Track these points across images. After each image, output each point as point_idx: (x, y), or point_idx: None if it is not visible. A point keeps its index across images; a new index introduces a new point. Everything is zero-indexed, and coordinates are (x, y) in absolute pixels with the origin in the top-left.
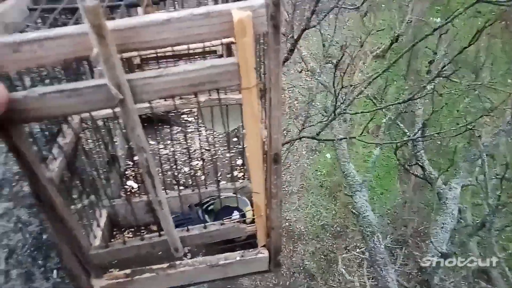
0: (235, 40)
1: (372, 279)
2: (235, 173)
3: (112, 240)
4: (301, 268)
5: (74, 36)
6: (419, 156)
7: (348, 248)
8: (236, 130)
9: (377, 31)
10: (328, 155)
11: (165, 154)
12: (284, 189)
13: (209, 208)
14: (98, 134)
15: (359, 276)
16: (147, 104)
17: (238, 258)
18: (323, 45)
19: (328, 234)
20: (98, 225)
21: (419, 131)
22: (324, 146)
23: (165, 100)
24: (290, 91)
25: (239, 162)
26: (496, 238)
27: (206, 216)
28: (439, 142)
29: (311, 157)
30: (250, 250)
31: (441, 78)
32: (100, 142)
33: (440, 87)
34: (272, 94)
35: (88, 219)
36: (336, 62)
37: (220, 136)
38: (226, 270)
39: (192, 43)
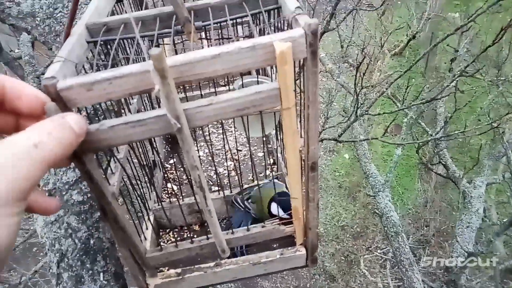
0: (277, 67)
1: (396, 279)
2: (267, 172)
3: (160, 240)
4: (322, 270)
5: (138, 74)
6: (441, 155)
7: (370, 248)
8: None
9: (396, 29)
10: (346, 156)
11: (200, 155)
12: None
13: (249, 197)
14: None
15: (381, 277)
16: None
17: (278, 256)
18: (341, 46)
19: (348, 235)
20: (147, 228)
21: (441, 130)
22: (342, 147)
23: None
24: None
25: (271, 161)
26: None
27: (248, 204)
28: (461, 140)
29: (329, 158)
30: (289, 248)
31: (465, 77)
32: (143, 149)
33: (461, 83)
34: (310, 110)
35: (140, 224)
36: (357, 64)
37: (252, 138)
38: (267, 267)
39: (238, 71)
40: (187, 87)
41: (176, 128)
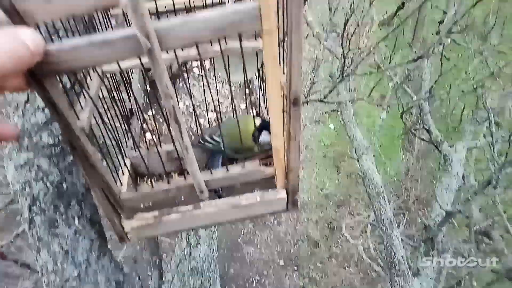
0: None
1: (376, 242)
2: None
3: (137, 188)
4: (305, 236)
5: None
6: (425, 120)
7: (351, 213)
8: (250, 80)
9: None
10: (331, 126)
11: (181, 107)
12: None
13: (217, 132)
14: (118, 87)
15: (362, 240)
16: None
17: (258, 199)
18: (329, 9)
19: (331, 203)
20: (123, 174)
21: (426, 94)
22: (328, 117)
23: (182, 50)
24: None
25: (254, 112)
26: (502, 197)
27: (218, 138)
28: (445, 110)
29: (314, 128)
30: (269, 190)
31: (448, 40)
32: (119, 96)
33: (447, 51)
34: (293, 38)
35: (114, 167)
36: (344, 24)
37: (232, 88)
38: (247, 210)
39: None
40: None
41: (146, 48)
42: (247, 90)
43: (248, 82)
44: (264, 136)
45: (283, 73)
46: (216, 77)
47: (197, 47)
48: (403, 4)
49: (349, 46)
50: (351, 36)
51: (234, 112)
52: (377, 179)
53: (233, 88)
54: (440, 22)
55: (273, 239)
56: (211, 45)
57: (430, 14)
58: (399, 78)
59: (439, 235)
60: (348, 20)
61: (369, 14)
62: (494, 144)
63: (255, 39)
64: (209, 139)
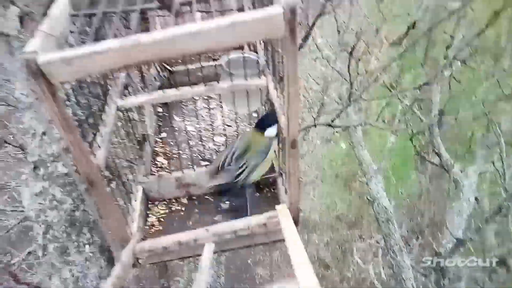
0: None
1: (387, 268)
2: None
3: (148, 212)
4: (316, 258)
5: (117, 50)
6: (435, 144)
7: (362, 237)
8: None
9: (394, 16)
10: (343, 145)
11: (190, 130)
12: (298, 178)
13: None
14: (131, 117)
15: (374, 264)
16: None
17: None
18: (338, 32)
19: (343, 224)
20: (135, 200)
21: (435, 117)
22: (339, 136)
23: (191, 87)
24: (305, 80)
25: None
26: None
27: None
28: (457, 131)
29: (325, 147)
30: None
31: (459, 63)
32: (133, 124)
33: (458, 74)
34: (290, 88)
35: (127, 196)
36: (351, 48)
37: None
38: (252, 239)
39: (219, 49)
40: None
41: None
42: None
43: (256, 111)
44: (270, 129)
45: (283, 114)
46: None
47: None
48: (414, 24)
49: (357, 70)
50: (359, 59)
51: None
52: (386, 203)
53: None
54: (448, 47)
55: (282, 260)
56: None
57: (440, 34)
58: (408, 100)
59: (451, 263)
60: (355, 45)
61: (379, 35)
62: (505, 169)
63: (259, 78)
64: (233, 163)
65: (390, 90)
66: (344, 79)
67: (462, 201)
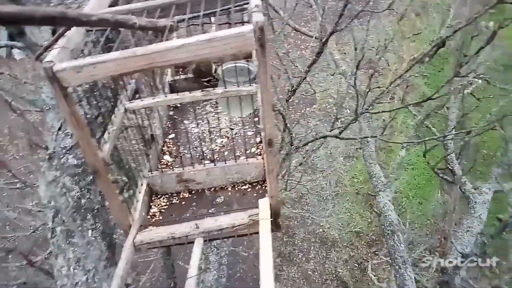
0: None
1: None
2: (253, 149)
3: (151, 204)
4: (334, 276)
5: (118, 60)
6: (449, 160)
7: (376, 252)
8: (257, 111)
9: (413, 35)
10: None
11: (196, 132)
12: (317, 193)
13: None
14: (140, 119)
15: (388, 281)
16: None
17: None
18: (355, 49)
19: (362, 242)
20: (140, 192)
21: (450, 133)
22: (362, 152)
23: (190, 93)
24: (320, 94)
25: (258, 140)
26: None
27: None
28: (471, 148)
29: (348, 164)
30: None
31: (480, 77)
32: (142, 125)
33: (478, 90)
34: (263, 95)
35: (132, 188)
36: (356, 65)
37: (244, 117)
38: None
39: (199, 60)
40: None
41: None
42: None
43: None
44: None
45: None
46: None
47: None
48: (444, 43)
49: (370, 85)
50: (372, 75)
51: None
52: (392, 216)
53: (243, 118)
54: (461, 65)
55: (300, 276)
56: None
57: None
58: (422, 116)
59: (455, 278)
60: (360, 61)
61: (398, 52)
62: None
63: (250, 85)
64: None
65: (403, 102)
66: (359, 94)
67: (473, 218)
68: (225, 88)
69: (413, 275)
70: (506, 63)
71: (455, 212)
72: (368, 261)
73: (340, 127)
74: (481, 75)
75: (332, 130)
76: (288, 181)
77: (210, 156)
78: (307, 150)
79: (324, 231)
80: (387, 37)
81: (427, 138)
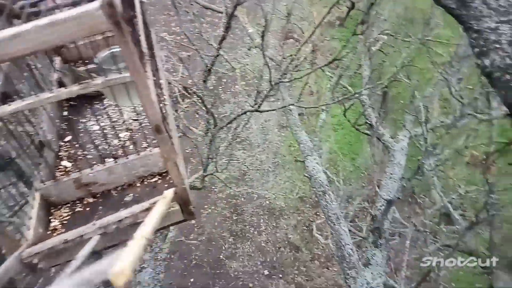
0: None
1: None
2: None
3: (50, 218)
4: (286, 242)
5: None
6: (367, 115)
7: (317, 213)
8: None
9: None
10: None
11: (97, 130)
12: (258, 168)
13: None
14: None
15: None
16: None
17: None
18: (265, 20)
19: (307, 205)
20: (33, 208)
21: (364, 89)
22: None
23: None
24: (242, 70)
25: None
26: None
27: None
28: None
29: (283, 134)
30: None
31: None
32: (27, 132)
33: (386, 46)
34: (136, 79)
35: (18, 207)
36: (261, 37)
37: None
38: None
39: (45, 48)
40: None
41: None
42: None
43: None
44: None
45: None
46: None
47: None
48: (353, 5)
49: (283, 54)
50: (283, 43)
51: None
52: (322, 178)
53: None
54: (362, 22)
55: (255, 250)
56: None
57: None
58: (336, 76)
59: (384, 223)
60: (264, 31)
61: (309, 18)
62: (425, 132)
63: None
64: None
65: (313, 70)
66: (277, 64)
67: (393, 165)
68: (106, 77)
69: (347, 229)
70: (408, 17)
71: (383, 162)
72: (315, 222)
73: (262, 100)
74: (385, 31)
75: (255, 104)
76: (220, 162)
77: (114, 153)
78: (236, 128)
79: (270, 203)
80: (297, 4)
81: (340, 98)
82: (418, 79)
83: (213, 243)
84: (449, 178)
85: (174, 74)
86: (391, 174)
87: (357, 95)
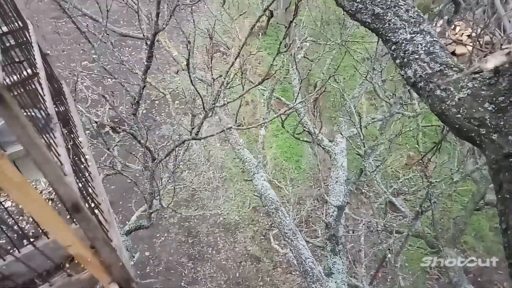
0: None
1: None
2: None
3: None
4: (246, 255)
5: None
6: (304, 123)
7: (272, 225)
8: None
9: (240, 15)
10: (241, 140)
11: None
12: (206, 188)
13: None
14: None
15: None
16: None
17: None
18: (188, 42)
19: (261, 215)
20: None
21: (297, 101)
22: (240, 133)
23: None
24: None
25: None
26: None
27: None
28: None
29: (225, 148)
30: None
31: (308, 41)
32: None
33: (310, 52)
34: (33, 154)
35: None
36: (187, 55)
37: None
38: None
39: None
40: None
41: None
42: None
43: None
44: None
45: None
46: None
47: None
48: (271, 13)
49: (212, 74)
50: (211, 59)
51: None
52: (272, 195)
53: None
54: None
55: (216, 269)
56: None
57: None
58: (268, 91)
59: (339, 230)
60: (189, 53)
61: (234, 31)
62: (360, 132)
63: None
64: None
65: (251, 82)
66: (208, 85)
67: (337, 169)
68: (5, 151)
69: (304, 242)
70: (325, 20)
71: (325, 159)
72: (271, 230)
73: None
74: (307, 38)
75: (193, 129)
76: (165, 192)
77: (33, 231)
78: (176, 156)
79: (224, 218)
80: (218, 19)
81: (276, 115)
82: (344, 76)
83: (172, 271)
84: (387, 167)
85: (100, 108)
86: (337, 178)
87: (292, 107)
